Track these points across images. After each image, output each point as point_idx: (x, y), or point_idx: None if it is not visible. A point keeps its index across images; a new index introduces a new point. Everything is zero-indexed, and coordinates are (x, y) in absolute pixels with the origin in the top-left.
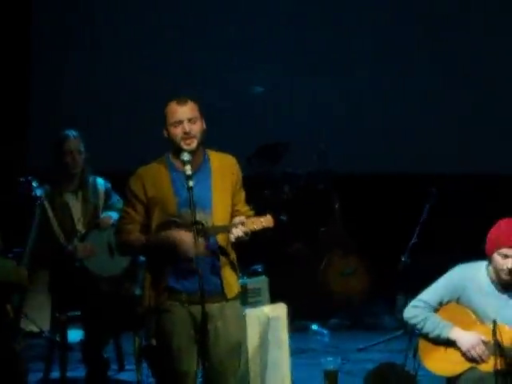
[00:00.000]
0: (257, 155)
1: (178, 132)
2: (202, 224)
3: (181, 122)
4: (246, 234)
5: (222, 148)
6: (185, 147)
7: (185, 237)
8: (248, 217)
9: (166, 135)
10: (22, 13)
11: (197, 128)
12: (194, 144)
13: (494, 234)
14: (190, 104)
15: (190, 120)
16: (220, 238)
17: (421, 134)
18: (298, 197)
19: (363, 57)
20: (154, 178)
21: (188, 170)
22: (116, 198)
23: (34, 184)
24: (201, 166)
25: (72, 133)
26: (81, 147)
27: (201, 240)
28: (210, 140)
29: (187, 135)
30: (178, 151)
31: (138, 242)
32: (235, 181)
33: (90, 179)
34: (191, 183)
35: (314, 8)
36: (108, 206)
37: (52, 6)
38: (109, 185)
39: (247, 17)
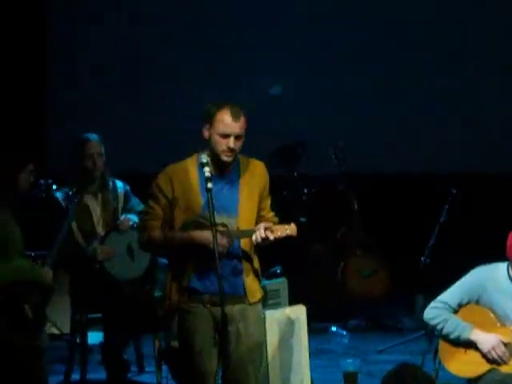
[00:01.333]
0: (276, 156)
1: (222, 143)
2: (226, 226)
3: (228, 136)
4: (268, 239)
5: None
6: (224, 159)
7: (209, 235)
8: (273, 223)
9: (206, 136)
10: (38, 15)
11: (240, 144)
12: (232, 158)
13: None
14: (242, 120)
15: (237, 137)
16: (244, 243)
17: (441, 134)
18: (317, 198)
19: (382, 57)
20: (182, 176)
21: (207, 171)
22: (135, 201)
23: (54, 187)
24: (230, 170)
25: (93, 136)
26: (101, 150)
27: (224, 238)
28: None
29: (230, 150)
30: (212, 156)
31: (163, 239)
32: (263, 187)
33: (110, 182)
34: (210, 185)
35: (333, 9)
36: (127, 209)
37: (68, 12)
38: (128, 187)
39: (265, 19)
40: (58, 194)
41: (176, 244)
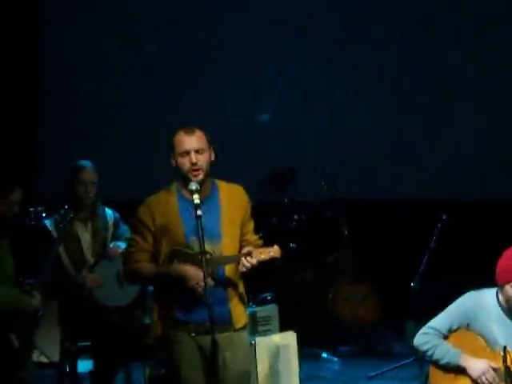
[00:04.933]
0: (266, 182)
1: (185, 162)
2: (210, 254)
3: (188, 153)
4: (253, 264)
5: (228, 174)
6: (192, 178)
7: (192, 272)
8: (256, 246)
9: (173, 164)
10: (30, 44)
11: (204, 159)
12: (201, 175)
13: (506, 265)
14: (198, 134)
15: (197, 151)
16: (228, 269)
17: (430, 160)
18: (307, 224)
19: (371, 83)
20: (162, 206)
21: (196, 198)
22: (124, 228)
23: (43, 214)
24: (209, 195)
25: (87, 163)
26: (95, 179)
27: (208, 272)
28: (216, 167)
29: (194, 166)
30: (185, 180)
31: (146, 272)
32: (244, 211)
33: (100, 210)
34: (199, 212)
35: (321, 33)
36: (116, 236)
37: (60, 36)
38: (117, 215)
39: (253, 42)
40: (48, 222)
41: (158, 278)
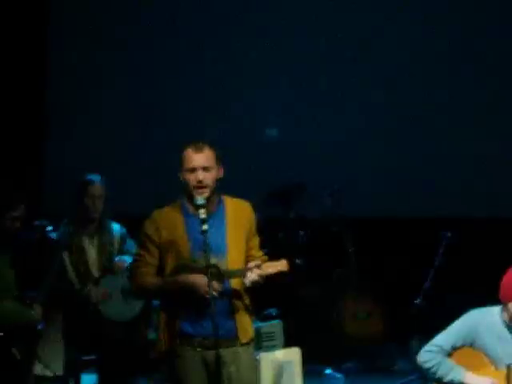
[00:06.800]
0: (272, 198)
1: (191, 179)
2: (217, 267)
3: (195, 170)
4: (260, 277)
5: (235, 191)
6: (197, 195)
7: (199, 280)
8: (263, 261)
9: (181, 179)
10: (39, 53)
11: (210, 177)
12: (206, 193)
13: (510, 282)
14: (206, 151)
15: (204, 168)
16: (234, 283)
17: (436, 178)
18: (313, 240)
19: (378, 102)
20: (169, 221)
21: (202, 213)
22: (131, 244)
23: (49, 228)
24: (215, 211)
25: (96, 177)
26: (103, 192)
27: (215, 282)
28: (222, 183)
29: (200, 184)
30: (191, 196)
31: (153, 285)
32: (250, 226)
33: (107, 224)
34: (205, 227)
35: (324, 46)
36: (123, 251)
37: (70, 42)
38: (124, 230)
39: (258, 58)
40: (53, 235)
41: (165, 290)
